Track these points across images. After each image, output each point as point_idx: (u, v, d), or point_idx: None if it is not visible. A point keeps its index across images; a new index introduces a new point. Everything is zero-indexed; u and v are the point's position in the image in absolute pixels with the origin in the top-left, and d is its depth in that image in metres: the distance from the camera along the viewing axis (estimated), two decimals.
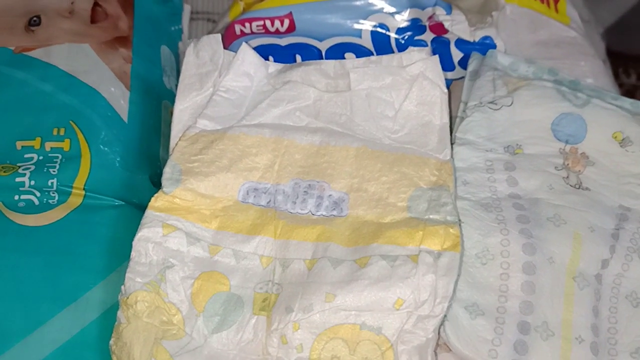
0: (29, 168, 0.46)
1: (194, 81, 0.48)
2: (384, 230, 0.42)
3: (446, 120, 0.47)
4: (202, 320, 0.40)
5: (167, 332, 0.40)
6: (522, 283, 0.42)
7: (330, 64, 0.49)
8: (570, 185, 0.46)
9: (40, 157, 0.47)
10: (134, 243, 0.41)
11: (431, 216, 0.43)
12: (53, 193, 0.46)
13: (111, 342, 0.40)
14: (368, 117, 0.47)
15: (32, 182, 0.45)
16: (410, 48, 0.52)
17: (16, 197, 0.45)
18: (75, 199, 0.46)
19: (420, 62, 0.47)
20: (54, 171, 0.46)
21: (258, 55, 0.49)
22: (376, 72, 0.48)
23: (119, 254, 0.44)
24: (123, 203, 0.47)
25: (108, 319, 0.42)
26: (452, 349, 0.41)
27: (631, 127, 0.49)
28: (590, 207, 0.45)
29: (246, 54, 0.48)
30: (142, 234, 0.41)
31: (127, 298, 0.40)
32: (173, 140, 0.46)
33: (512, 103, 0.49)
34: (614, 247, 0.44)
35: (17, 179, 0.45)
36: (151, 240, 0.41)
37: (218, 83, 0.47)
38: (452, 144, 0.47)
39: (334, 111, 0.47)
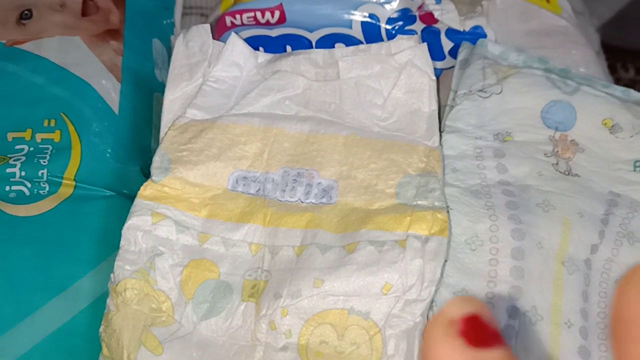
0: (20, 159, 0.46)
1: (183, 71, 0.48)
2: (372, 217, 0.42)
3: (434, 107, 0.47)
4: (191, 307, 0.40)
5: (156, 319, 0.40)
6: (511, 268, 0.42)
7: (319, 53, 0.49)
8: (560, 172, 0.46)
9: (31, 148, 0.47)
10: (123, 231, 0.41)
11: (419, 202, 0.43)
12: (44, 184, 0.46)
13: (101, 329, 0.40)
14: (357, 105, 0.47)
15: (23, 173, 0.46)
16: (399, 36, 0.52)
17: (7, 188, 0.45)
18: (66, 190, 0.46)
19: (408, 50, 0.48)
20: (44, 162, 0.46)
21: (247, 45, 0.49)
22: (365, 60, 0.48)
23: (109, 244, 0.44)
24: (114, 194, 0.47)
25: (98, 308, 0.42)
26: None
27: (621, 114, 0.49)
28: (580, 193, 0.45)
29: (235, 44, 0.48)
30: (132, 222, 0.42)
31: (117, 286, 0.40)
32: (163, 130, 0.46)
33: (501, 91, 0.49)
34: (604, 232, 0.44)
35: (8, 170, 0.46)
36: (140, 228, 0.41)
37: (207, 73, 0.48)
38: (441, 132, 0.47)
39: (323, 100, 0.48)
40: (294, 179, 0.45)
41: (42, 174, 0.46)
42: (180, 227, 0.42)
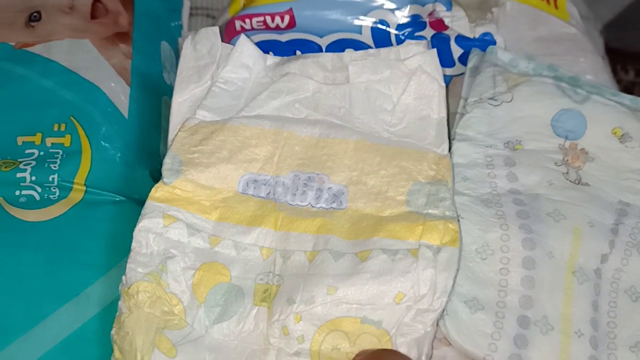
0: (30, 163, 0.46)
1: (191, 74, 0.48)
2: (384, 224, 0.42)
3: (444, 114, 0.47)
4: (203, 311, 0.40)
5: (169, 322, 0.40)
6: (522, 278, 0.42)
7: (328, 57, 0.49)
8: (570, 181, 0.47)
9: (41, 153, 0.47)
10: (134, 233, 0.41)
11: (430, 211, 0.43)
12: (54, 188, 0.46)
13: (113, 331, 0.40)
14: (367, 110, 0.47)
15: (33, 178, 0.46)
16: (408, 41, 0.52)
17: (17, 193, 0.45)
18: (76, 195, 0.46)
19: (418, 55, 0.48)
20: (54, 167, 0.46)
21: (256, 47, 0.49)
22: (375, 65, 0.48)
23: (120, 250, 0.44)
24: (124, 198, 0.47)
25: (109, 314, 0.42)
26: (452, 343, 0.41)
27: (631, 123, 0.49)
28: (590, 202, 0.45)
29: (245, 46, 0.48)
30: (143, 224, 0.41)
31: (129, 288, 0.40)
32: (171, 132, 0.46)
33: (512, 99, 0.49)
34: (614, 242, 0.44)
35: (18, 175, 0.46)
36: (152, 230, 0.41)
37: (216, 75, 0.48)
38: (452, 139, 0.48)
39: (333, 104, 0.48)
40: (304, 183, 0.45)
41: (53, 178, 0.46)
42: (192, 230, 0.42)
